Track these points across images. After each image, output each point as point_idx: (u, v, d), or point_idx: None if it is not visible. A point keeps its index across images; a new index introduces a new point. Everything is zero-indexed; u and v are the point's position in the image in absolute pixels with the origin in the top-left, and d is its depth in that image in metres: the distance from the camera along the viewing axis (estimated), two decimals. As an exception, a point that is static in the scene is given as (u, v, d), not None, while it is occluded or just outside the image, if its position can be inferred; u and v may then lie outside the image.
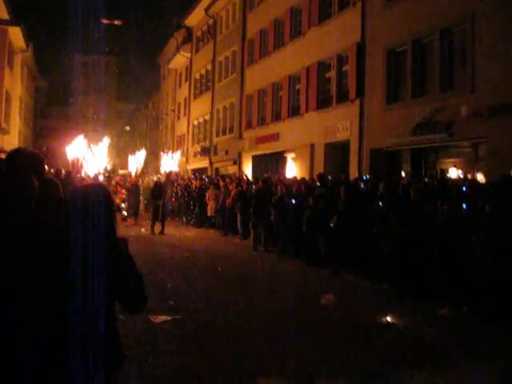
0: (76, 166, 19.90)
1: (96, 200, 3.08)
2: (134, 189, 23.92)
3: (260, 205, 15.60)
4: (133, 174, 26.14)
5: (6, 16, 31.94)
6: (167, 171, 23.46)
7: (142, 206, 29.18)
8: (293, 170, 23.90)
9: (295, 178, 18.93)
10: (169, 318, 7.98)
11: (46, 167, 4.68)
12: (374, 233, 10.96)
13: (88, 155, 20.99)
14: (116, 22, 47.00)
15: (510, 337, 7.33)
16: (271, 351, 6.54)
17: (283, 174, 22.60)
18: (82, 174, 20.61)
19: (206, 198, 21.34)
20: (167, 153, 25.92)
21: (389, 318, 8.19)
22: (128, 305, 3.19)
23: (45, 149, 46.66)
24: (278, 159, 26.68)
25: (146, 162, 40.93)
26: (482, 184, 11.40)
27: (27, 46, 37.87)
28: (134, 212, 23.44)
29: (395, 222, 10.12)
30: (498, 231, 8.24)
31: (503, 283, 7.91)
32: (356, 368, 6.08)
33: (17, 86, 39.10)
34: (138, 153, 26.85)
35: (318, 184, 14.69)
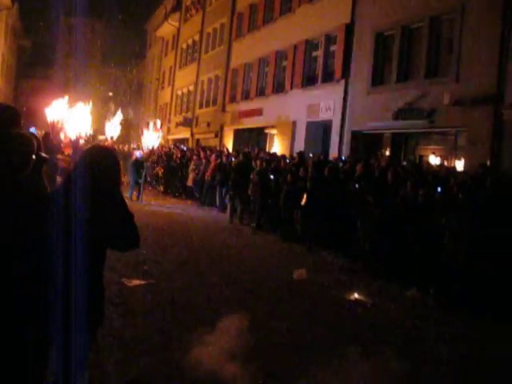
0: (56, 128, 19.67)
1: (106, 160, 3.25)
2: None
3: (239, 178, 15.67)
4: (109, 139, 25.82)
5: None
6: (149, 147, 23.16)
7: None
8: (274, 146, 23.96)
9: (275, 154, 19.01)
10: (142, 282, 8.08)
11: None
12: (350, 212, 11.09)
13: (69, 118, 20.73)
14: (104, -15, 46.24)
15: (470, 321, 7.57)
16: (240, 320, 6.67)
17: (264, 150, 22.64)
18: (62, 137, 20.40)
19: (190, 168, 21.30)
20: (149, 127, 25.63)
21: (358, 295, 8.38)
22: (122, 243, 3.37)
23: (24, 109, 45.90)
24: (260, 134, 26.70)
25: (127, 129, 40.42)
26: (458, 172, 11.61)
27: (12, 2, 37.06)
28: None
29: (371, 203, 10.27)
30: (468, 219, 8.42)
31: (470, 269, 8.13)
32: (322, 341, 6.25)
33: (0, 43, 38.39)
34: (114, 117, 26.40)
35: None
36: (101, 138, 37.85)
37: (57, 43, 61.09)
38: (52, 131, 18.50)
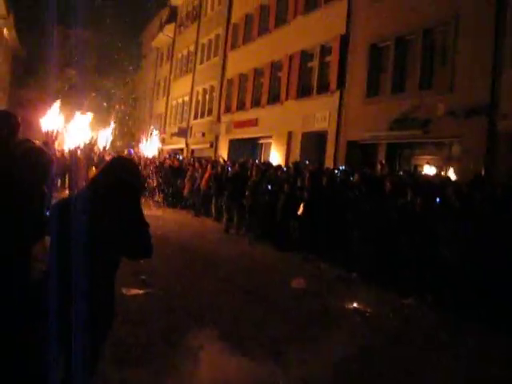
0: (51, 138, 19.69)
1: (132, 170, 3.36)
2: (102, 163, 23.76)
3: (235, 188, 15.72)
4: (101, 148, 25.96)
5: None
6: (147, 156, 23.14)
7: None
8: (269, 156, 24.04)
9: (270, 163, 19.08)
10: (141, 291, 8.11)
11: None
12: (347, 222, 11.15)
13: (68, 128, 20.83)
14: (100, -4, 46.36)
15: (467, 327, 7.63)
16: (240, 327, 6.73)
17: (259, 160, 22.72)
18: (56, 146, 20.45)
19: (186, 179, 21.30)
20: (147, 138, 25.70)
21: (356, 304, 8.43)
22: (138, 251, 3.46)
23: (19, 119, 45.76)
24: (255, 145, 26.80)
25: (121, 139, 40.47)
26: (454, 181, 11.70)
27: (8, 12, 37.03)
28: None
29: (368, 211, 10.34)
30: (464, 227, 8.51)
31: (466, 276, 8.20)
32: (324, 351, 6.28)
33: (-6, 53, 38.37)
34: (107, 128, 26.59)
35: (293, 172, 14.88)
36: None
37: (51, 54, 61.04)
38: (47, 141, 18.62)
